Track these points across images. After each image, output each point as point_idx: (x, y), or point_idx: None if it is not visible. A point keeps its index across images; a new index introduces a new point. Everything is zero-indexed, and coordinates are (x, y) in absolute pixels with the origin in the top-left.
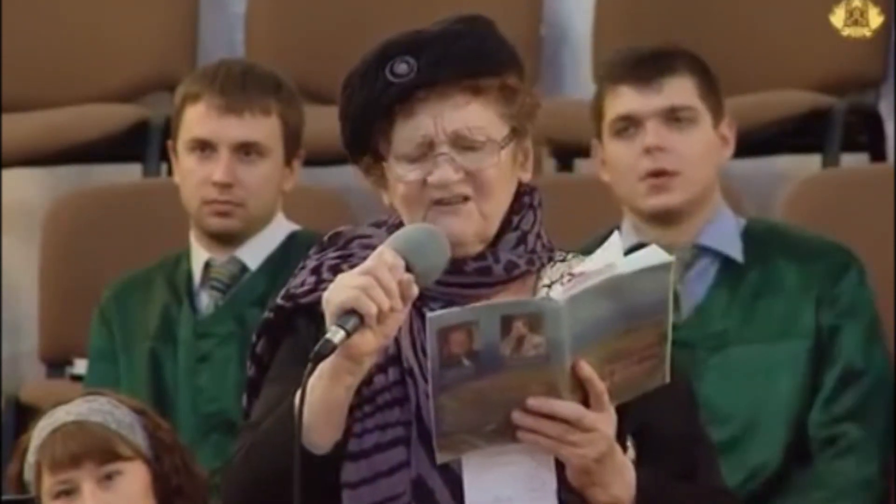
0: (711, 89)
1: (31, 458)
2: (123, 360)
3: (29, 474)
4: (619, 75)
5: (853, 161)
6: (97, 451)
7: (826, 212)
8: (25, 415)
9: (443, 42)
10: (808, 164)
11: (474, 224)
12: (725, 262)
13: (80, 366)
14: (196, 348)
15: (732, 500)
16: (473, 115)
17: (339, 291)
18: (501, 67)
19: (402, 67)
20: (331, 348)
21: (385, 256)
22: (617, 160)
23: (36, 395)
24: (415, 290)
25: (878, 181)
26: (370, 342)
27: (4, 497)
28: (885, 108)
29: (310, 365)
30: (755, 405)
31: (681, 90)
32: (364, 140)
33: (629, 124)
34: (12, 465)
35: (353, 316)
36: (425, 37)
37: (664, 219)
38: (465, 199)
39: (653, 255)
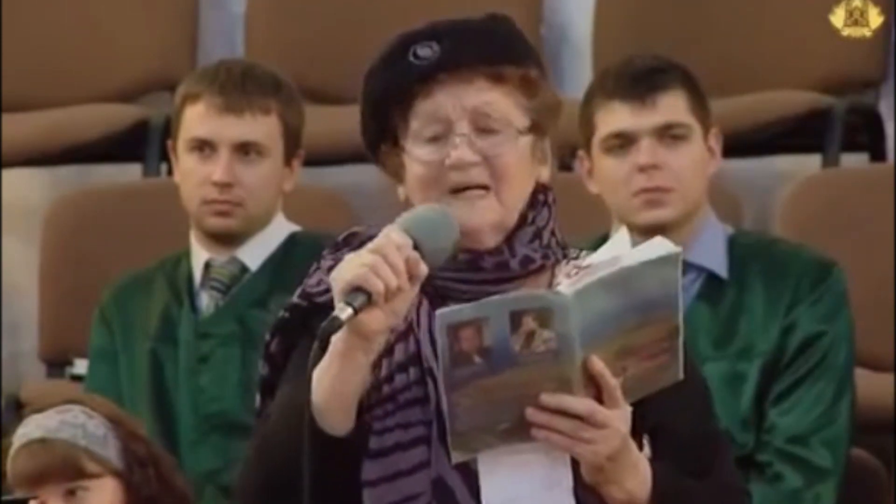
0: (701, 102)
1: (7, 466)
2: (124, 361)
3: (11, 478)
4: (612, 90)
5: (853, 161)
6: (60, 470)
7: (826, 212)
8: (25, 415)
9: (466, 29)
10: (808, 164)
11: (492, 214)
12: (710, 277)
13: (80, 366)
14: (196, 349)
15: (746, 496)
16: (494, 99)
17: (347, 269)
18: (523, 59)
19: (424, 51)
20: (338, 325)
21: (393, 235)
22: (609, 176)
23: (36, 395)
24: (423, 269)
25: (878, 181)
26: (379, 320)
27: (4, 497)
28: (885, 108)
29: (316, 342)
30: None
31: (674, 107)
32: (383, 125)
33: (623, 141)
34: None
35: (360, 293)
36: (448, 24)
37: (656, 233)
38: (483, 188)
39: (658, 246)
